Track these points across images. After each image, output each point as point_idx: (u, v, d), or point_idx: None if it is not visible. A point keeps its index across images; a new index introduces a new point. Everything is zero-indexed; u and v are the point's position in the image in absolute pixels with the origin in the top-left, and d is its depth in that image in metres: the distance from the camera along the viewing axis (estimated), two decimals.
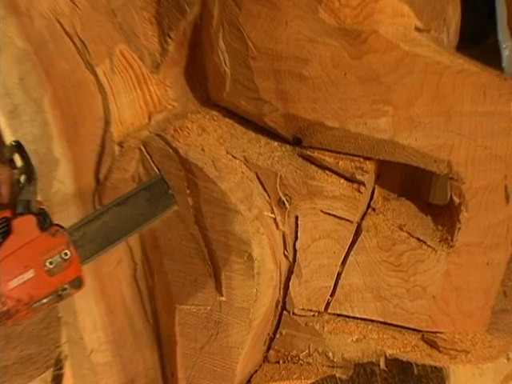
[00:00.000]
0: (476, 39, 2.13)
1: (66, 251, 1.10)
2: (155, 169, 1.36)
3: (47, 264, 1.08)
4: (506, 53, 2.15)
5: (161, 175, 1.34)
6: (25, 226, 1.07)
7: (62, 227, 1.12)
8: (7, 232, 1.05)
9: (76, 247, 1.13)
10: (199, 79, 1.44)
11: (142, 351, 1.50)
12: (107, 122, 1.32)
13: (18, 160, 1.11)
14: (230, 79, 1.35)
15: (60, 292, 1.11)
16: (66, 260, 1.10)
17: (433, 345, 1.44)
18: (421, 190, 1.67)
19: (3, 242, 1.04)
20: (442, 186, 1.61)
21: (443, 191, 1.58)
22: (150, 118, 1.39)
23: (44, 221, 1.10)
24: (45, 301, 1.09)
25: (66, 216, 1.31)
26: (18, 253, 1.05)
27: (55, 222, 1.12)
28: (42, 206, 1.11)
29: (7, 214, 1.06)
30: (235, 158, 1.37)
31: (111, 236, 1.23)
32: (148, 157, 1.36)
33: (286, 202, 1.37)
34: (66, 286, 1.11)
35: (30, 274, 1.06)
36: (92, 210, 1.36)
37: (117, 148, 1.35)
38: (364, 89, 1.28)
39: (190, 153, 1.33)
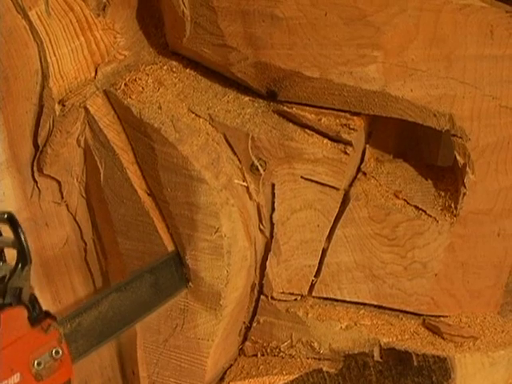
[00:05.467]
0: None
1: (58, 349, 1.09)
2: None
3: (35, 365, 1.06)
4: None
5: (170, 255, 1.35)
6: (14, 320, 1.04)
7: (53, 317, 1.10)
8: None
9: (68, 342, 1.12)
10: (154, 23, 1.43)
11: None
12: (45, 76, 1.29)
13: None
14: (190, 22, 1.33)
15: None
16: (56, 360, 1.09)
17: (435, 331, 1.44)
18: (427, 151, 1.67)
19: None
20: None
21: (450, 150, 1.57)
22: (96, 70, 1.36)
23: (33, 309, 1.07)
24: None
25: (0, 188, 1.29)
26: (5, 353, 1.03)
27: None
28: (32, 292, 1.09)
29: None
30: (199, 116, 1.35)
31: (109, 328, 1.23)
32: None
33: (259, 167, 1.36)
34: None
35: (15, 379, 1.04)
36: (30, 180, 1.34)
37: (58, 107, 1.32)
38: (348, 31, 1.27)
39: (144, 111, 1.31)
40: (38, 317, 1.08)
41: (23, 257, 1.05)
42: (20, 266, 1.04)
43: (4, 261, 1.07)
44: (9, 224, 1.05)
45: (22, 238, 1.05)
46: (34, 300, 1.08)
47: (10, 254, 1.09)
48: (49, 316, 1.10)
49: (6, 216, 1.06)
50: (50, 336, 1.08)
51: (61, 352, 1.09)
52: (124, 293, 1.27)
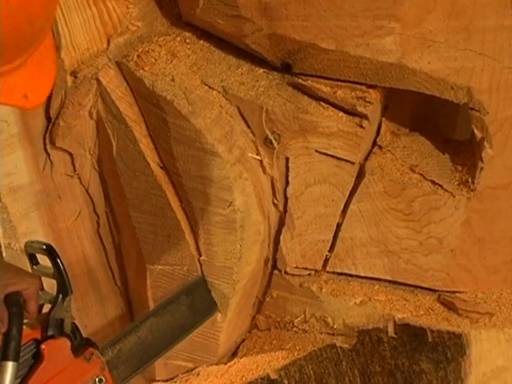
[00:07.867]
0: None
1: (101, 377, 1.11)
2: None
3: None
4: None
5: (202, 275, 1.36)
6: (58, 351, 1.06)
7: (94, 344, 1.11)
8: (36, 356, 1.04)
9: (110, 369, 1.13)
10: None
11: (109, 319, 1.50)
12: (56, 48, 1.27)
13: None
14: None
15: None
16: None
17: (451, 307, 1.43)
18: (444, 124, 1.65)
19: (33, 370, 1.03)
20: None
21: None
22: (108, 41, 1.34)
23: (75, 338, 1.08)
24: None
25: (11, 161, 1.29)
26: None
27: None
28: (74, 321, 1.10)
29: (36, 334, 1.05)
30: (212, 88, 1.34)
31: (148, 353, 1.25)
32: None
33: (273, 140, 1.35)
34: None
35: None
36: (43, 153, 1.34)
37: (70, 79, 1.31)
38: (365, 2, 1.24)
39: (157, 83, 1.30)
40: (79, 345, 1.09)
41: (64, 288, 1.06)
42: (61, 297, 1.06)
43: (42, 288, 1.08)
44: (48, 255, 1.06)
45: (62, 270, 1.05)
46: (75, 329, 1.09)
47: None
48: (90, 344, 1.11)
49: (44, 247, 1.07)
50: (93, 364, 1.10)
51: (104, 380, 1.11)
52: (162, 316, 1.29)
